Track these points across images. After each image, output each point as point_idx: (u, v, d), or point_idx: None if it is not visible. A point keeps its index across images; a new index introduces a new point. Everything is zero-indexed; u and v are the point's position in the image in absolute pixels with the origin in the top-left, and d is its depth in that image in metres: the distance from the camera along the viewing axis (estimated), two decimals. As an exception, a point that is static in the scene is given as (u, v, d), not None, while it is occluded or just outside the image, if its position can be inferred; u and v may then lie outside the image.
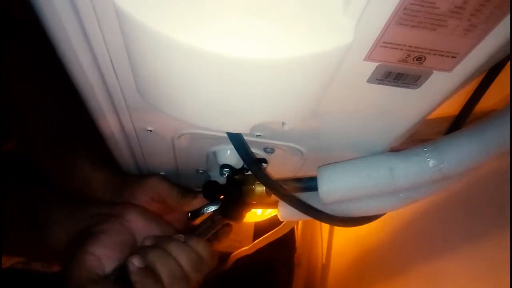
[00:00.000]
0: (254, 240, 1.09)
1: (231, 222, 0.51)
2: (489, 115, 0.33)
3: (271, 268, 1.16)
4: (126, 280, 0.36)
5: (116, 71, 0.33)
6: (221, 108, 0.31)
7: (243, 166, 0.48)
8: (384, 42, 0.26)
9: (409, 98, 0.32)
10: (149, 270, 0.37)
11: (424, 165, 0.34)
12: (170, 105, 0.32)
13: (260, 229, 1.09)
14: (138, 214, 0.42)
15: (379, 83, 0.30)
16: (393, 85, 0.30)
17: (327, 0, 0.24)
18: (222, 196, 0.50)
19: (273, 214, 1.03)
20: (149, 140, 0.47)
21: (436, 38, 0.25)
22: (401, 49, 0.26)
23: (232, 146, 0.39)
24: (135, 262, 0.36)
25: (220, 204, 0.49)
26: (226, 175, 0.47)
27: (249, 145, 0.39)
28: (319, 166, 0.39)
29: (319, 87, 0.30)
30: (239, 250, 1.12)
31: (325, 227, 1.02)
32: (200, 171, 0.56)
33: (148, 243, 0.41)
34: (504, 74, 0.37)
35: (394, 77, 0.29)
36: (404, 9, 0.23)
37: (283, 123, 0.34)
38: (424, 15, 0.24)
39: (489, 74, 0.38)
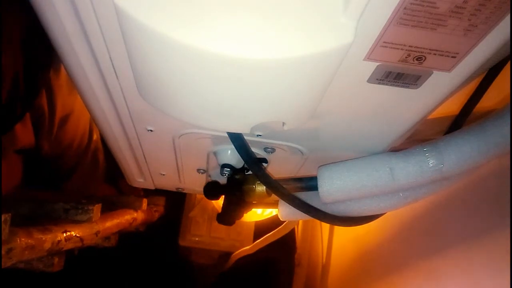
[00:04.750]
0: (254, 240, 1.10)
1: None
2: (489, 115, 0.33)
3: (271, 267, 1.16)
4: None
5: (116, 71, 0.33)
6: (221, 108, 0.31)
7: (243, 165, 0.48)
8: (384, 42, 0.26)
9: (409, 98, 0.32)
10: None
11: (424, 165, 0.34)
12: (171, 106, 0.33)
13: (261, 229, 1.10)
14: None
15: (379, 83, 0.30)
16: (393, 85, 0.30)
17: (327, 0, 0.24)
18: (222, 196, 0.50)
19: (274, 214, 1.03)
20: (150, 140, 0.47)
21: (436, 38, 0.25)
22: (401, 49, 0.26)
23: (232, 146, 0.39)
24: None
25: None
26: (226, 174, 0.48)
27: (250, 144, 0.39)
28: (319, 166, 0.39)
29: (319, 87, 0.30)
30: (240, 250, 1.12)
31: (326, 227, 1.02)
32: (201, 170, 0.56)
33: None
34: (504, 74, 0.37)
35: (394, 77, 0.29)
36: (404, 9, 0.23)
37: (283, 123, 0.34)
38: (424, 15, 0.24)
39: (489, 74, 0.38)
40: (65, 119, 0.68)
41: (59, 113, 0.64)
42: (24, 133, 0.57)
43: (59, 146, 0.69)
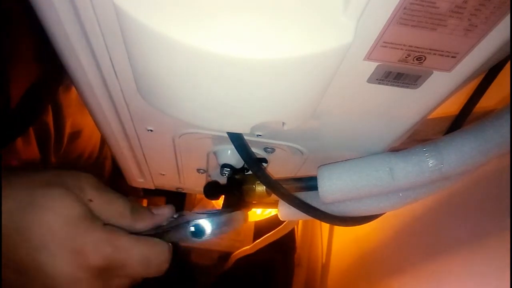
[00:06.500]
0: (254, 240, 1.10)
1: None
2: (488, 115, 0.33)
3: (271, 268, 1.16)
4: None
5: (116, 71, 0.33)
6: (221, 108, 0.31)
7: (243, 165, 0.48)
8: (384, 42, 0.26)
9: (409, 98, 0.32)
10: None
11: (423, 165, 0.34)
12: (170, 106, 0.33)
13: (261, 229, 1.10)
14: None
15: (379, 83, 0.30)
16: (393, 85, 0.30)
17: (327, 0, 0.24)
18: (222, 196, 0.50)
19: (273, 214, 1.03)
20: (149, 140, 0.47)
21: (436, 38, 0.25)
22: (401, 49, 0.26)
23: (232, 146, 0.39)
24: None
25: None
26: (226, 174, 0.48)
27: (250, 144, 0.39)
28: (319, 166, 0.39)
29: (319, 87, 0.30)
30: (240, 250, 1.12)
31: (325, 227, 1.02)
32: (201, 170, 0.56)
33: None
34: (504, 74, 0.37)
35: (394, 77, 0.29)
36: (404, 8, 0.23)
37: (283, 123, 0.34)
38: (424, 14, 0.24)
39: (489, 74, 0.38)
40: (75, 136, 0.67)
41: (67, 130, 0.64)
42: (26, 148, 0.56)
43: (67, 159, 0.69)
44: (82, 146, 0.72)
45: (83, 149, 0.73)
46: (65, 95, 0.60)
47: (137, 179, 0.65)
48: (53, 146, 0.62)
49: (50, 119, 0.59)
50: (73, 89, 0.61)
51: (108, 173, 0.88)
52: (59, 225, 0.30)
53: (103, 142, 0.79)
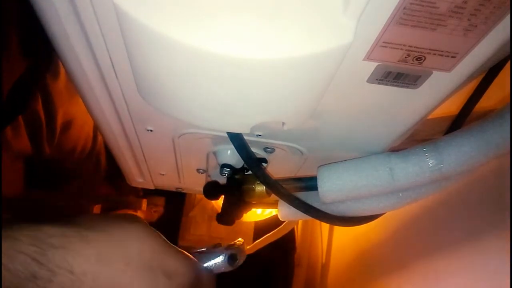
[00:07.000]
0: (254, 240, 1.10)
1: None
2: (488, 115, 0.33)
3: (271, 268, 1.16)
4: None
5: (116, 71, 0.33)
6: (221, 108, 0.31)
7: (243, 165, 0.48)
8: (384, 42, 0.26)
9: (409, 98, 0.32)
10: None
11: (423, 165, 0.34)
12: (171, 106, 0.33)
13: (261, 229, 1.10)
14: None
15: (378, 83, 0.30)
16: (392, 85, 0.30)
17: (327, 0, 0.24)
18: (222, 196, 0.50)
19: (273, 214, 1.03)
20: (149, 140, 0.47)
21: (436, 38, 0.25)
22: (401, 49, 0.26)
23: (232, 146, 0.39)
24: None
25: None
26: (226, 174, 0.48)
27: (249, 144, 0.39)
28: (319, 166, 0.39)
29: (319, 87, 0.30)
30: (240, 250, 1.12)
31: (325, 226, 1.02)
32: (201, 170, 0.56)
33: None
34: (504, 74, 0.37)
35: (393, 77, 0.29)
36: (404, 8, 0.23)
37: (283, 123, 0.34)
38: (424, 14, 0.24)
39: (489, 74, 0.38)
40: (67, 125, 0.67)
41: (59, 119, 0.63)
42: (16, 138, 0.55)
43: (61, 151, 0.69)
44: (75, 137, 0.71)
45: (77, 140, 0.72)
46: (54, 83, 0.59)
47: (137, 179, 0.65)
48: (46, 136, 0.62)
49: (40, 108, 0.58)
50: (61, 77, 0.60)
51: (104, 168, 0.87)
52: (156, 246, 0.31)
53: (96, 132, 0.78)
